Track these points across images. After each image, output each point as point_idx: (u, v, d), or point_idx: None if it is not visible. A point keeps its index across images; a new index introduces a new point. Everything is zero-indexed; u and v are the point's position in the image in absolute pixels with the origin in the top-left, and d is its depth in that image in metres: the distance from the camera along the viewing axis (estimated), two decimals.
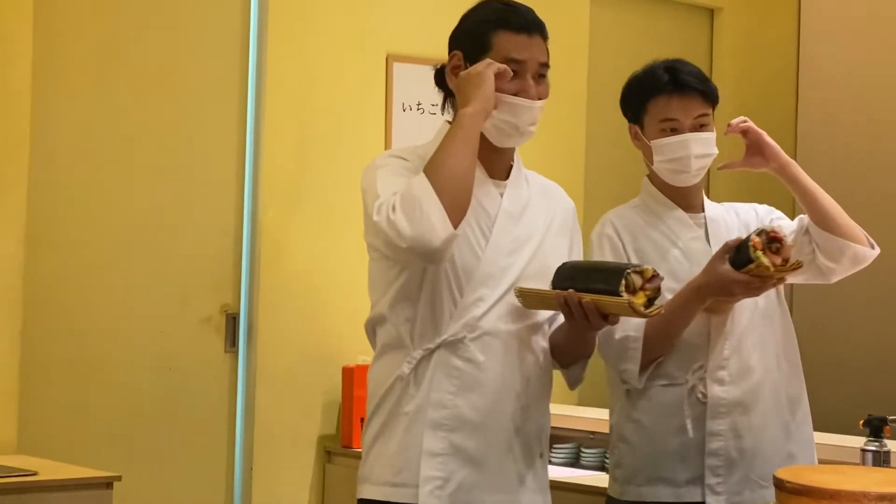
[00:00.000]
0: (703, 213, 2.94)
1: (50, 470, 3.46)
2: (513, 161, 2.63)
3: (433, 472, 2.46)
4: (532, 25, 2.57)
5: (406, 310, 2.52)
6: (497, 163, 2.59)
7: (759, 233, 2.67)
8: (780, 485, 2.14)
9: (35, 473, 3.40)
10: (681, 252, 2.87)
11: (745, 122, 2.95)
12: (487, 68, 2.45)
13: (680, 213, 2.92)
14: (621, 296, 2.39)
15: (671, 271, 2.81)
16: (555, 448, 4.01)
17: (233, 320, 4.30)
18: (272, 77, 4.34)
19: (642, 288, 2.42)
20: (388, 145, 4.52)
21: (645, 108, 2.89)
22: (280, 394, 4.33)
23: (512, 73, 2.49)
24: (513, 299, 2.51)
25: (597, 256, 2.87)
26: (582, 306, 2.44)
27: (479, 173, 2.53)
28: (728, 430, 2.82)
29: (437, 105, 4.59)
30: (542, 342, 2.60)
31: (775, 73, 5.81)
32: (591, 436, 4.11)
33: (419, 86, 4.52)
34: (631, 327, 2.78)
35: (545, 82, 2.58)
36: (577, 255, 2.69)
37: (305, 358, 4.39)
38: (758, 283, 2.71)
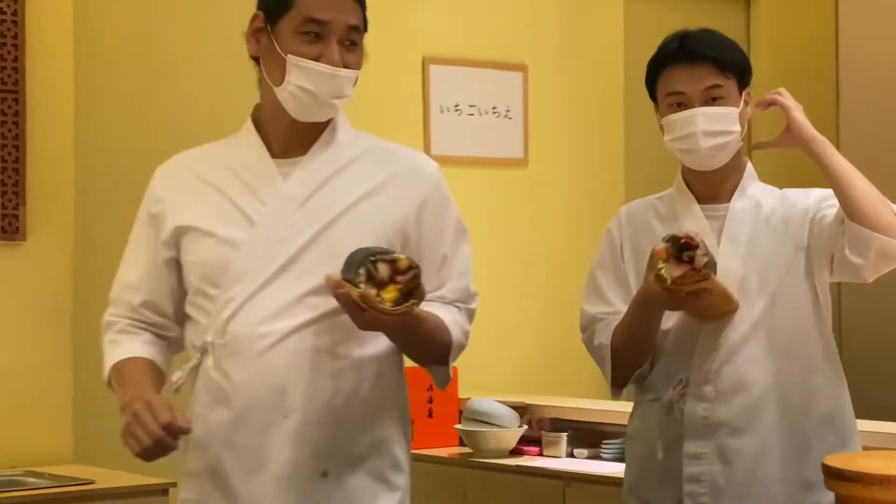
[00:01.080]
0: (726, 205, 2.59)
1: (106, 478, 3.52)
2: (324, 133, 2.30)
3: (190, 494, 2.27)
4: None
5: (189, 316, 2.30)
6: (298, 138, 2.29)
7: (668, 239, 2.39)
8: (829, 471, 2.14)
9: (92, 482, 3.45)
10: None
11: (776, 94, 2.59)
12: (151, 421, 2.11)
13: (694, 205, 2.60)
14: (358, 286, 2.08)
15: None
16: (605, 444, 4.01)
17: None
18: None
19: (393, 280, 2.11)
20: (426, 147, 4.54)
21: (657, 82, 2.62)
22: None
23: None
24: (283, 295, 2.20)
25: (598, 251, 2.67)
26: (340, 297, 2.12)
27: (259, 154, 2.29)
28: (712, 453, 2.50)
29: (474, 106, 4.61)
30: (343, 343, 2.22)
31: (814, 63, 5.78)
32: None
33: (456, 87, 4.55)
34: (605, 334, 2.57)
35: (358, 50, 2.29)
36: (432, 228, 2.30)
37: None
38: (679, 296, 2.41)
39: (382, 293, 2.09)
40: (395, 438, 2.28)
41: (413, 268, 2.11)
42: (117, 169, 4.06)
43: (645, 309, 2.49)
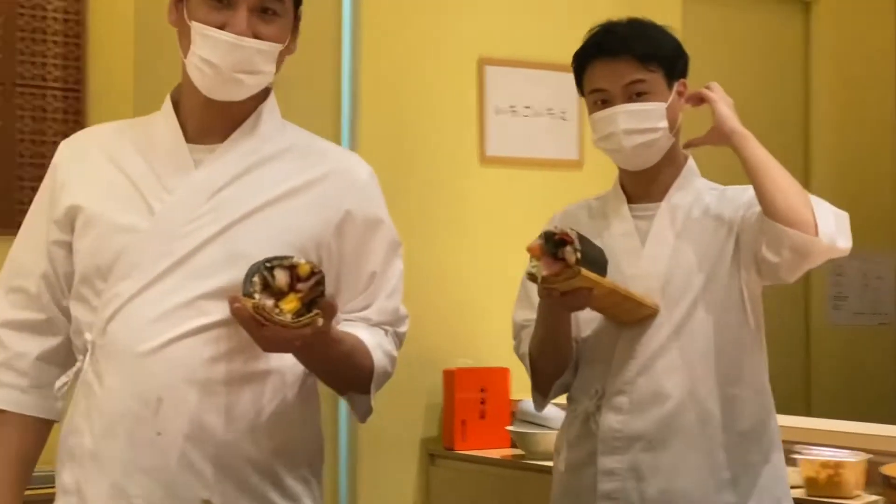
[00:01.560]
0: (659, 203, 2.46)
1: None
2: (248, 120, 2.08)
3: None
4: None
5: (73, 311, 2.06)
6: (216, 122, 2.06)
7: (542, 235, 2.24)
8: (887, 482, 2.11)
9: None
10: (606, 254, 2.37)
11: (704, 88, 2.47)
12: None
13: (623, 205, 2.47)
14: (253, 297, 1.83)
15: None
16: None
17: None
18: (366, 82, 4.38)
19: (294, 289, 1.85)
20: (482, 148, 4.52)
21: (582, 78, 2.47)
22: (382, 397, 4.33)
23: None
24: (174, 296, 1.96)
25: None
26: (235, 311, 1.86)
27: (174, 137, 2.05)
28: (626, 469, 2.35)
29: (530, 107, 4.59)
30: (238, 356, 1.96)
31: (876, 65, 5.71)
32: None
33: (512, 88, 4.54)
34: (528, 342, 2.44)
35: (278, 22, 2.02)
36: (358, 242, 2.08)
37: (406, 362, 4.39)
38: (554, 296, 2.25)
39: (281, 304, 1.84)
40: (295, 465, 2.03)
41: (315, 273, 1.86)
42: None
43: (546, 312, 2.37)
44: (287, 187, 2.04)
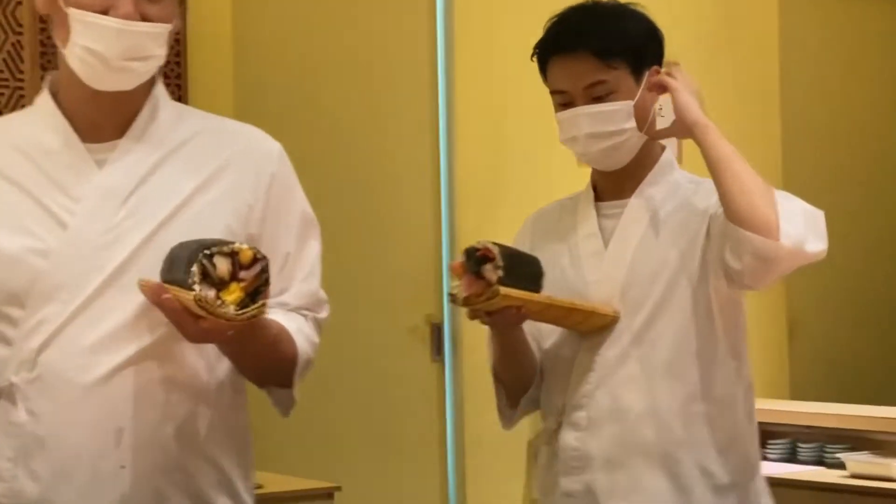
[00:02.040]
0: (627, 201, 2.23)
1: (274, 482, 3.58)
2: (144, 109, 1.86)
3: None
4: None
5: None
6: (110, 115, 1.84)
7: (466, 251, 2.06)
8: None
9: (261, 486, 3.53)
10: (570, 257, 2.23)
11: (665, 73, 2.22)
12: None
13: (589, 205, 2.27)
14: (192, 289, 1.65)
15: (564, 283, 2.19)
16: (770, 444, 3.94)
17: (437, 330, 4.38)
18: (462, 84, 4.40)
19: (236, 278, 1.69)
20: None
21: (546, 76, 2.25)
22: (488, 401, 4.35)
23: None
24: (115, 315, 1.76)
25: None
26: (163, 303, 1.69)
27: (65, 136, 1.83)
28: (583, 491, 2.15)
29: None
30: (187, 369, 1.81)
31: None
32: (807, 429, 4.00)
33: None
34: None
35: (168, 4, 1.82)
36: (273, 221, 1.90)
37: None
38: (479, 316, 2.09)
39: (223, 294, 1.67)
40: (237, 474, 1.87)
41: (259, 259, 1.69)
42: None
43: (492, 329, 2.21)
44: (202, 177, 1.85)
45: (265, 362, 1.85)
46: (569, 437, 2.17)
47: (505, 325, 2.13)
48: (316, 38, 4.27)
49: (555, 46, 2.20)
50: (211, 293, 1.65)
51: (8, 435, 1.77)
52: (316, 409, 4.15)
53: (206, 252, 1.66)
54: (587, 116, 2.17)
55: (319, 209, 2.01)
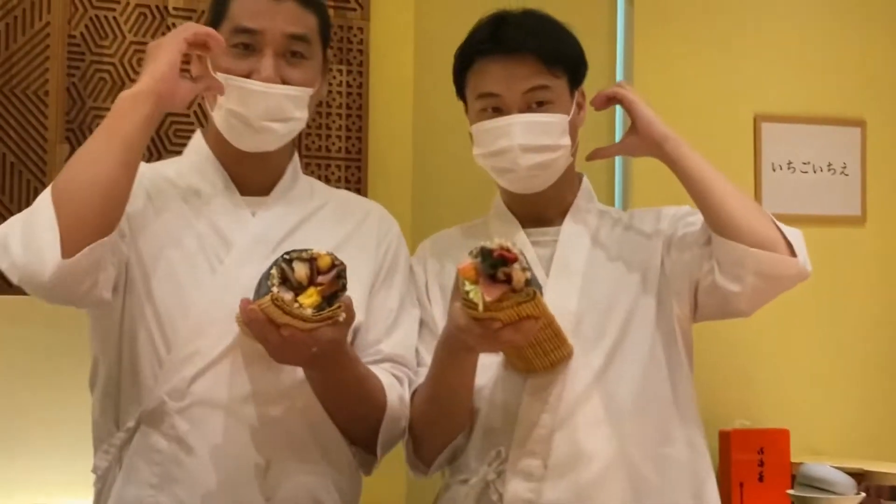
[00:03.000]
0: (558, 228, 2.08)
1: None
2: (287, 172, 2.03)
3: None
4: None
5: (103, 378, 1.93)
6: (256, 173, 2.00)
7: (479, 253, 1.79)
8: None
9: None
10: None
11: (616, 87, 2.08)
12: (178, 34, 1.82)
13: (519, 231, 2.08)
14: (271, 291, 1.72)
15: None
16: None
17: None
18: None
19: (314, 282, 1.74)
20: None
21: (465, 78, 2.08)
22: None
23: (223, 41, 1.86)
24: (255, 356, 1.85)
25: None
26: (248, 314, 1.73)
27: (225, 185, 1.98)
28: None
29: (808, 163, 4.61)
30: (317, 405, 1.91)
31: None
32: None
33: (789, 145, 4.50)
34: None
35: (305, 65, 1.95)
36: (385, 278, 2.02)
37: None
38: (492, 330, 1.78)
39: (300, 298, 1.73)
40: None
41: (336, 265, 1.76)
42: (449, 190, 4.10)
43: (452, 354, 1.90)
44: (337, 239, 1.98)
45: (352, 400, 1.89)
46: (518, 489, 1.95)
47: (513, 340, 1.83)
48: None
49: (494, 44, 2.01)
50: (289, 295, 1.72)
51: (151, 462, 1.85)
52: None
53: (286, 257, 1.74)
54: (524, 125, 1.98)
55: None
